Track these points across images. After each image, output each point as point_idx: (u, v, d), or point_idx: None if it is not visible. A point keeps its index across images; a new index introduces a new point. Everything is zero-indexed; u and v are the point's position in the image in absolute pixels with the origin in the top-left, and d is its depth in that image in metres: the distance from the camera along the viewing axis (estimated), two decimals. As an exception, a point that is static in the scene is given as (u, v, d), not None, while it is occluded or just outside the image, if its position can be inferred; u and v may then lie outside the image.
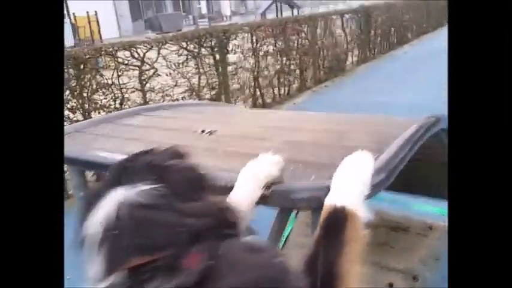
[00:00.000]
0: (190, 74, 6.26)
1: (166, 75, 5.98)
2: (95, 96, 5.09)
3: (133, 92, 5.48)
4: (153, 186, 0.72)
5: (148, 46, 5.53)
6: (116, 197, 0.71)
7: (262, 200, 0.97)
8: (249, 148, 1.26)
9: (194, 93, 6.34)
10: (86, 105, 4.98)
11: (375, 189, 1.00)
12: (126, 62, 5.37)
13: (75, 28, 18.89)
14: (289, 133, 1.41)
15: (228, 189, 1.02)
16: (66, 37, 17.41)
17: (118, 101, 5.28)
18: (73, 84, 4.84)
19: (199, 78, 6.42)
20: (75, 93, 4.87)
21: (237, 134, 1.45)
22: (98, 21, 19.87)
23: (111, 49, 5.11)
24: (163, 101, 5.75)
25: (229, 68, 6.88)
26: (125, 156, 1.37)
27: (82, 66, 4.85)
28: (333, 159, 1.09)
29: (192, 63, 6.28)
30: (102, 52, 5.03)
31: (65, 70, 4.68)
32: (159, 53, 5.73)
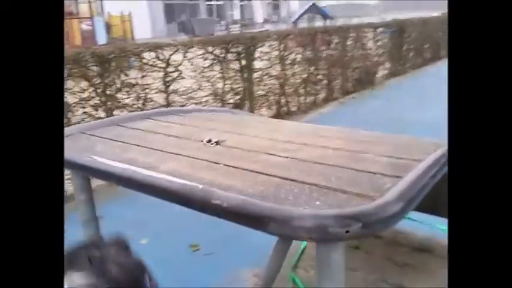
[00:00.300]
0: (214, 79, 6.22)
1: (191, 78, 5.95)
2: (118, 95, 5.09)
3: (156, 93, 5.47)
4: (87, 279, 0.70)
5: (174, 48, 5.51)
6: None
7: None
8: (252, 163, 1.15)
9: (218, 98, 6.28)
10: (109, 103, 4.98)
11: (390, 220, 0.90)
12: (151, 62, 5.37)
13: (108, 26, 19.31)
14: (300, 148, 1.30)
15: (222, 208, 0.92)
16: (99, 35, 17.83)
17: (141, 101, 5.27)
18: (97, 82, 4.86)
19: (224, 83, 6.36)
20: (99, 90, 4.88)
21: (244, 147, 1.35)
22: (131, 21, 20.24)
23: (136, 49, 5.11)
24: (186, 103, 5.72)
25: (255, 75, 6.80)
26: (122, 164, 1.29)
27: (106, 65, 4.87)
28: (342, 184, 0.97)
29: (217, 67, 6.23)
30: (128, 52, 5.03)
31: (89, 67, 4.70)
32: (184, 56, 5.71)
